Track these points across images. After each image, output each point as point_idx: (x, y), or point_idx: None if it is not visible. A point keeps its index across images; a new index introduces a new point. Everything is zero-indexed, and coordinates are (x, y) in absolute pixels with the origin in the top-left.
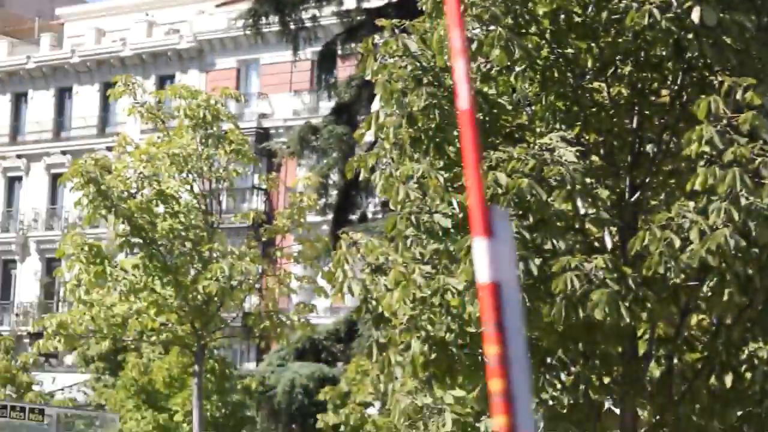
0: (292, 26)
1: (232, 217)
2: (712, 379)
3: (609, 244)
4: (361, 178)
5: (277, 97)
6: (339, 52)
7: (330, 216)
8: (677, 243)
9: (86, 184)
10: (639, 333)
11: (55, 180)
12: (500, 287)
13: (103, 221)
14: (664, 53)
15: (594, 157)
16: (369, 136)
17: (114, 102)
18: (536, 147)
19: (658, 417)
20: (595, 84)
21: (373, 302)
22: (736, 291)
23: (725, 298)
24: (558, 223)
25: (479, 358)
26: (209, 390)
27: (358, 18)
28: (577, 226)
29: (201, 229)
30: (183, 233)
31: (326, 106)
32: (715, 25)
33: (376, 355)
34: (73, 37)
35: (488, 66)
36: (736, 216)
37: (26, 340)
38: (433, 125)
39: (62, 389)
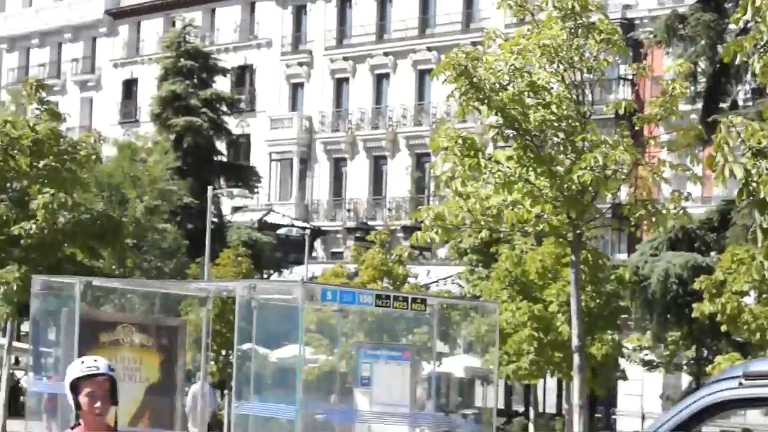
0: None
1: (604, 107)
2: None
3: None
4: (736, 63)
5: None
6: None
7: (699, 104)
8: None
9: (458, 77)
10: None
11: (421, 76)
12: None
13: (471, 115)
14: None
15: None
16: (741, 23)
17: None
18: None
19: None
20: None
21: (755, 186)
22: None
23: None
24: None
25: None
26: (583, 281)
27: None
28: None
29: (573, 120)
30: (555, 124)
31: None
32: None
33: (761, 239)
34: None
35: None
36: None
37: (399, 234)
38: None
39: (436, 281)
